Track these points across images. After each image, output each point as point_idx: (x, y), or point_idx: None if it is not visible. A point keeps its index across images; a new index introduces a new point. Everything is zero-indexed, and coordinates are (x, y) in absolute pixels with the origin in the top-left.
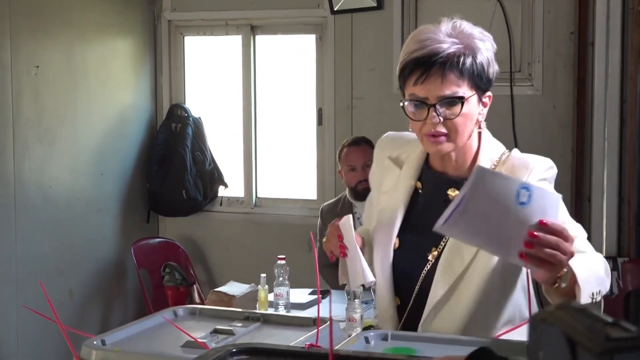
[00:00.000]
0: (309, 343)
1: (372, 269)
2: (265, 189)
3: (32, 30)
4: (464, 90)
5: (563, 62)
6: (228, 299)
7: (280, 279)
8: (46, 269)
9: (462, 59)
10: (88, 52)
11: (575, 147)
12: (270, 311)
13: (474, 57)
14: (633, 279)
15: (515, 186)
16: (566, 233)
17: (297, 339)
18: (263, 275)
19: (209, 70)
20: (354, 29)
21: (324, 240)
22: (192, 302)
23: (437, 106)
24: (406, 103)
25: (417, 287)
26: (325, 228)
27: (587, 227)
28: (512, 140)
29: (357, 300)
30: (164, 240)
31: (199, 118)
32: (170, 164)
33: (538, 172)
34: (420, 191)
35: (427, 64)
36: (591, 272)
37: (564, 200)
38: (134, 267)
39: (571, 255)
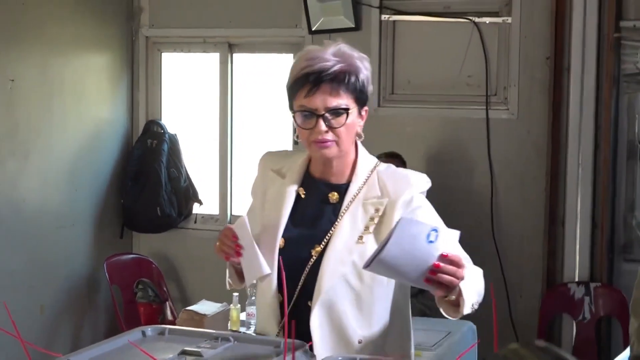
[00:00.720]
0: None
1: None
2: (241, 207)
3: (6, 43)
4: (348, 102)
5: (539, 86)
6: (199, 318)
7: (253, 297)
8: (17, 284)
9: (347, 76)
10: (64, 66)
11: (550, 171)
12: (242, 330)
13: (357, 75)
14: (605, 304)
15: (427, 230)
16: (461, 262)
17: None
18: (235, 294)
19: (186, 86)
20: None
21: (216, 244)
22: (165, 319)
23: (326, 115)
24: (296, 114)
25: (302, 280)
26: None
27: (561, 251)
28: (487, 162)
29: None
30: (138, 256)
31: (175, 135)
32: (146, 180)
33: (418, 187)
34: (302, 196)
35: (317, 79)
36: (473, 287)
37: (538, 223)
38: (106, 283)
39: (462, 278)
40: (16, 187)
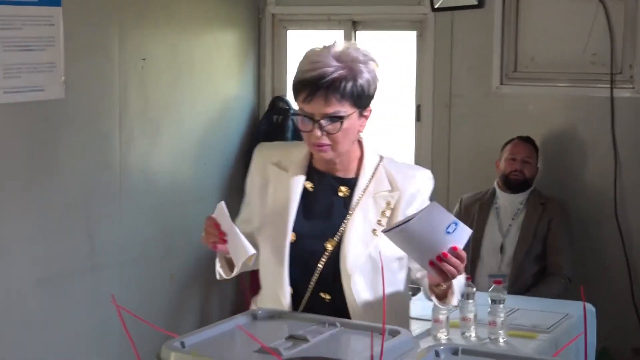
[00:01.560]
0: None
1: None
2: None
3: (139, 24)
4: (345, 109)
5: None
6: None
7: None
8: (149, 254)
9: (343, 84)
10: (194, 45)
11: None
12: None
13: (355, 81)
14: None
15: (450, 221)
16: (464, 259)
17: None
18: None
19: None
20: (454, 27)
21: (202, 235)
22: None
23: (322, 122)
24: (297, 115)
25: (317, 274)
26: (463, 217)
27: None
28: (611, 142)
29: None
30: None
31: None
32: None
33: (425, 182)
34: (311, 190)
35: (313, 86)
36: (460, 284)
37: None
38: None
39: (461, 274)
40: (148, 162)
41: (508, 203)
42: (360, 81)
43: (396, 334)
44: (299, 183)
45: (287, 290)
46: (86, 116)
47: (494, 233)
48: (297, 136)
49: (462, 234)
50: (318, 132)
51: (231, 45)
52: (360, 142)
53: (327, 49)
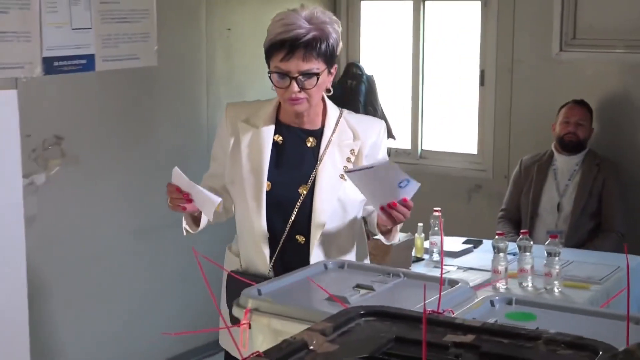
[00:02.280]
0: (430, 309)
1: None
2: (430, 142)
3: None
4: (319, 66)
5: None
6: (386, 247)
7: (435, 228)
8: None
9: (319, 44)
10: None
11: None
12: (426, 257)
13: (327, 41)
14: None
15: (403, 177)
16: (410, 208)
17: (430, 298)
18: (420, 224)
19: (383, 33)
20: None
21: (168, 204)
22: None
23: (299, 78)
24: (272, 74)
25: (293, 216)
26: (522, 177)
27: None
28: None
29: (501, 254)
30: None
31: (372, 76)
32: None
33: (382, 132)
34: (280, 143)
35: (292, 46)
36: (399, 231)
37: None
38: None
39: (405, 220)
40: None
41: (565, 164)
42: (331, 41)
43: (455, 284)
44: (269, 136)
45: (265, 235)
46: (177, 82)
47: (552, 192)
48: (369, 101)
49: (412, 189)
50: (296, 87)
51: None
52: (322, 97)
53: (296, 12)
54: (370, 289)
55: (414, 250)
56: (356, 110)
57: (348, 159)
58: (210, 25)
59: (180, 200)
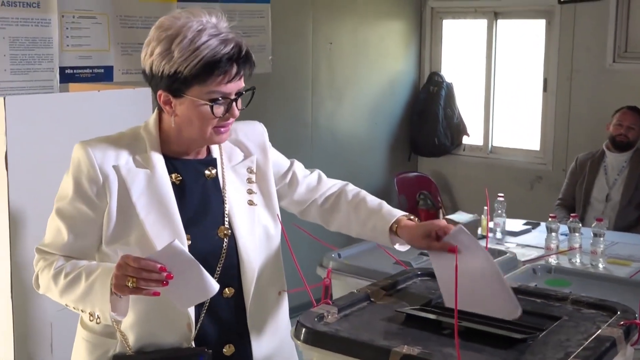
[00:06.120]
0: None
1: None
2: (499, 139)
3: (327, 14)
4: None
5: None
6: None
7: (499, 211)
8: None
9: (251, 54)
10: (369, 32)
11: None
12: (490, 236)
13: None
14: None
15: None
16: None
17: None
18: (486, 207)
19: (461, 46)
20: (576, 15)
21: (126, 284)
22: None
23: (237, 99)
24: (201, 101)
25: (220, 266)
26: (578, 172)
27: None
28: None
29: (553, 233)
30: (420, 174)
31: (451, 83)
32: (427, 117)
33: (264, 133)
34: (178, 183)
35: (238, 62)
36: None
37: None
38: (396, 193)
39: None
40: (333, 121)
41: (615, 161)
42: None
43: (503, 254)
44: (166, 179)
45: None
46: (287, 86)
47: (602, 185)
48: (448, 104)
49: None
50: (237, 112)
51: (398, 31)
52: None
53: (217, 23)
54: (409, 265)
55: (480, 229)
56: (436, 112)
57: (249, 180)
58: (316, 39)
59: (156, 282)
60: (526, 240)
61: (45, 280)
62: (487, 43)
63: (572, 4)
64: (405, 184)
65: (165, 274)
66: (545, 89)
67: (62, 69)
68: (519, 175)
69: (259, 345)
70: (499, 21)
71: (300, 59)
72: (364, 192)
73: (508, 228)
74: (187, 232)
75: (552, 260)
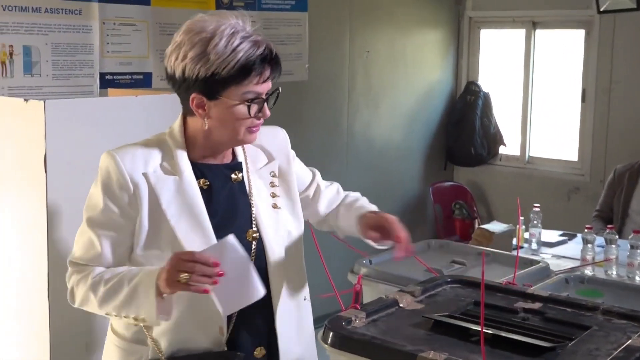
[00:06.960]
0: (506, 280)
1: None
2: (536, 150)
3: (364, 24)
4: None
5: None
6: (489, 234)
7: (535, 222)
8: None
9: (279, 55)
10: (406, 41)
11: None
12: (525, 247)
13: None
14: None
15: None
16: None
17: (507, 276)
18: (521, 217)
19: (498, 55)
20: (615, 26)
21: (178, 279)
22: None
23: (267, 99)
24: (236, 102)
25: None
26: (616, 183)
27: None
28: None
29: (589, 245)
30: (456, 184)
31: (488, 93)
32: (464, 126)
33: (287, 139)
34: (206, 188)
35: (271, 62)
36: None
37: None
38: (431, 202)
39: None
40: (369, 129)
41: None
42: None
43: (535, 263)
44: (194, 185)
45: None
46: (323, 94)
47: None
48: (484, 114)
49: None
50: (268, 111)
51: (436, 41)
52: None
53: (244, 25)
54: (463, 264)
55: (514, 240)
56: (473, 122)
57: (272, 184)
58: (352, 47)
59: (208, 278)
60: (562, 252)
61: (82, 292)
62: (525, 53)
63: (612, 14)
64: (440, 193)
65: (217, 269)
66: (583, 100)
67: (102, 75)
68: (556, 186)
69: (287, 350)
70: (537, 31)
71: (337, 67)
72: (352, 196)
73: (544, 239)
74: (217, 237)
75: (587, 271)
